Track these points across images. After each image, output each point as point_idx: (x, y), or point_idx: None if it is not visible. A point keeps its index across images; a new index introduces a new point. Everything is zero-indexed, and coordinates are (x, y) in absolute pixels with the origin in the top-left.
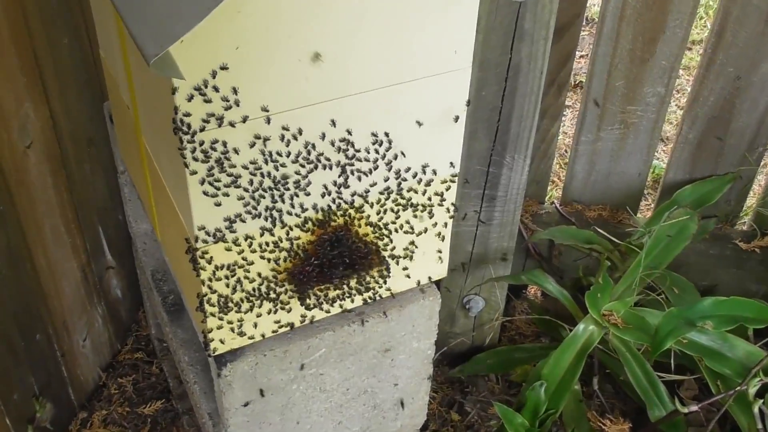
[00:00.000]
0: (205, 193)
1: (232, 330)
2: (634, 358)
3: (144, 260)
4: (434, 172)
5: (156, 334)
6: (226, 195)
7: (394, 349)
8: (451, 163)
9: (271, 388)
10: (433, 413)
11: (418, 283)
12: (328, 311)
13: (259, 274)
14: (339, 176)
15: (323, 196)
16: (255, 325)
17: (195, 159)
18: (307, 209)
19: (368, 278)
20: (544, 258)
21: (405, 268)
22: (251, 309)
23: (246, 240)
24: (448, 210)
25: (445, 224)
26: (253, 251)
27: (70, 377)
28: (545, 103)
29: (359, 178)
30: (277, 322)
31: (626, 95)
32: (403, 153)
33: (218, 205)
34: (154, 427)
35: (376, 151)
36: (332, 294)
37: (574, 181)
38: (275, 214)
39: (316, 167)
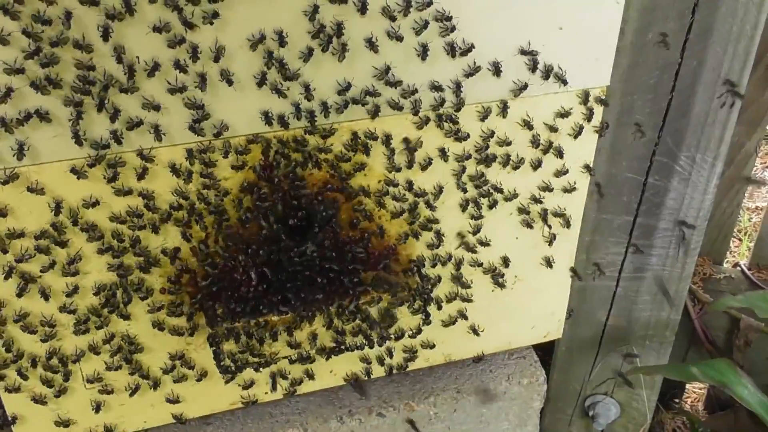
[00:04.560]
0: None
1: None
2: None
3: None
4: (547, 73)
5: None
6: None
7: None
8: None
9: None
10: None
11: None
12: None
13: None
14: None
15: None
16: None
17: None
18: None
19: (379, 319)
20: (718, 349)
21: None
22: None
23: None
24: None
25: (570, 221)
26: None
27: None
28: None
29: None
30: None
31: None
32: None
33: None
34: None
35: None
36: (285, 349)
37: None
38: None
39: None
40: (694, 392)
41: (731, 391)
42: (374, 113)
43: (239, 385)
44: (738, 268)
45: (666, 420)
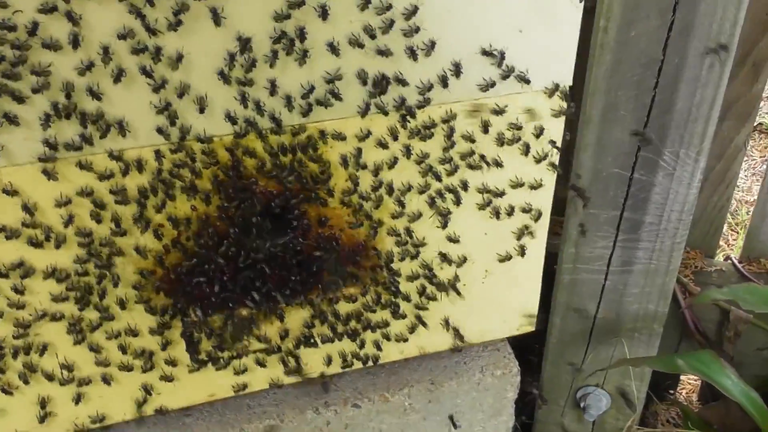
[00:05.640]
0: None
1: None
2: None
3: None
4: (509, 73)
5: None
6: None
7: None
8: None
9: None
10: None
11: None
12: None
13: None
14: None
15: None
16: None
17: None
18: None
19: (355, 313)
20: (709, 340)
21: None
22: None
23: None
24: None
25: (538, 216)
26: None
27: None
28: (731, 91)
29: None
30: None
31: None
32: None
33: None
34: None
35: None
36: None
37: (766, 225)
38: None
39: None
40: (689, 384)
41: (715, 381)
42: (364, 112)
43: (233, 372)
44: (729, 261)
45: (660, 411)
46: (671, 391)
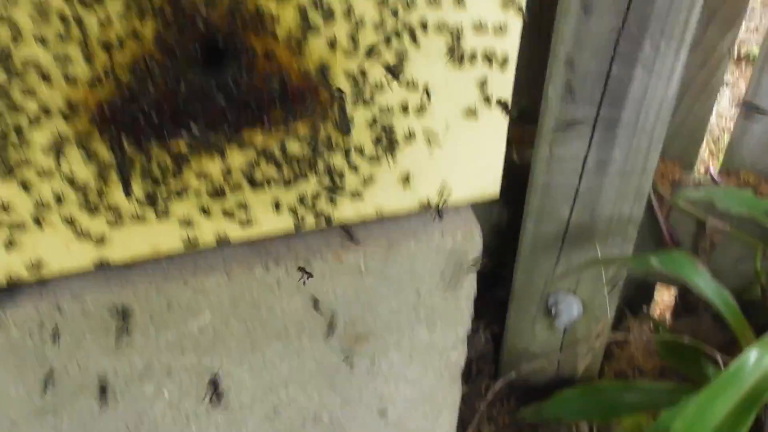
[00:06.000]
0: None
1: None
2: None
3: None
4: None
5: None
6: None
7: (375, 339)
8: None
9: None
10: None
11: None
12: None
13: None
14: None
15: None
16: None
17: None
18: None
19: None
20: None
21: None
22: None
23: None
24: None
25: (504, 62)
26: None
27: None
28: None
29: None
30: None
31: None
32: None
33: None
34: None
35: None
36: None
37: (747, 137)
38: None
39: None
40: (663, 303)
41: (688, 280)
42: None
43: (178, 223)
44: (708, 174)
45: (632, 326)
46: (646, 307)
